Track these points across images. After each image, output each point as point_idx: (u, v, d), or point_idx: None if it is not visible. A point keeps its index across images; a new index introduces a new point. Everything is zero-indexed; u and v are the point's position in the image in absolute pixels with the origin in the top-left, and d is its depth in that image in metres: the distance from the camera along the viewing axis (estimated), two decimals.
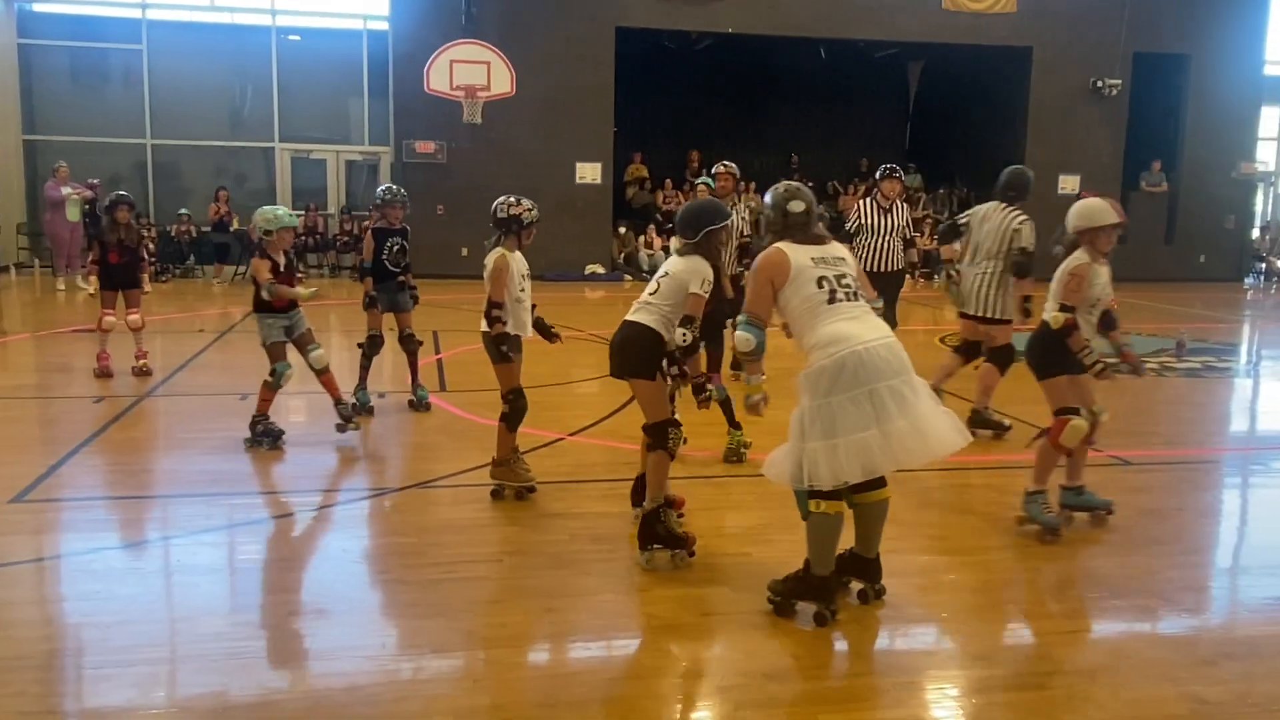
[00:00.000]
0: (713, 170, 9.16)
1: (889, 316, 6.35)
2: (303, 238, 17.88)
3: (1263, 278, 21.14)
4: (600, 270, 18.33)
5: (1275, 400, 9.59)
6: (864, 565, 4.21)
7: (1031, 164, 19.32)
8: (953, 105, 21.55)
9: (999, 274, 6.99)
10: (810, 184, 20.62)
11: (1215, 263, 20.13)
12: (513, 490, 5.45)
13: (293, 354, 6.53)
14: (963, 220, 7.47)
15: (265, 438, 6.35)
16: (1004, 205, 7.08)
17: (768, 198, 4.26)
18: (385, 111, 18.14)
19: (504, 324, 5.23)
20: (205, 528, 5.12)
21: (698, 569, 4.56)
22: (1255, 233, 21.43)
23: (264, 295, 6.31)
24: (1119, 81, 19.21)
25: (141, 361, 8.61)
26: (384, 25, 17.93)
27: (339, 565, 4.61)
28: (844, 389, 3.85)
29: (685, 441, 4.64)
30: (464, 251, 15.38)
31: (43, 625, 3.98)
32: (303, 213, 18.09)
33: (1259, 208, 22.05)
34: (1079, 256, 4.97)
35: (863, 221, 8.57)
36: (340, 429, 6.59)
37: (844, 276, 4.06)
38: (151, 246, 10.04)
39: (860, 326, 3.95)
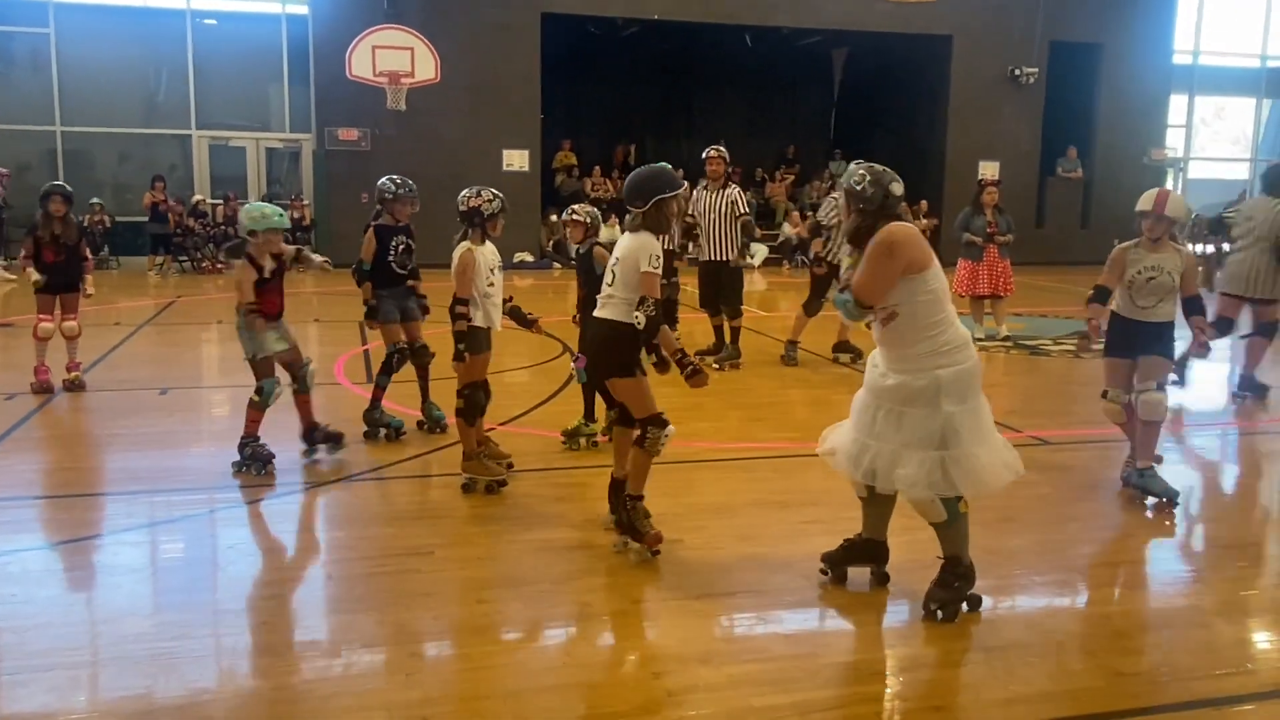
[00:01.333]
0: (704, 154, 9.17)
1: None
2: (222, 227, 17.51)
3: None
4: (529, 258, 18.25)
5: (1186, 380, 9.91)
6: (877, 549, 4.28)
7: (952, 150, 20.02)
8: (877, 93, 21.87)
9: (1271, 258, 7.77)
10: (739, 170, 20.83)
11: None
12: (483, 484, 5.35)
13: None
14: (1229, 214, 8.38)
15: (254, 462, 5.67)
16: (1272, 198, 7.91)
17: (858, 176, 3.86)
18: (306, 98, 17.81)
19: (469, 320, 5.14)
20: (126, 526, 5.00)
21: (627, 554, 4.57)
22: None
23: (237, 316, 5.65)
24: (1036, 70, 19.69)
25: (74, 374, 7.67)
26: (304, 9, 17.59)
27: (265, 561, 4.53)
28: (978, 393, 3.86)
29: (667, 437, 4.48)
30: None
31: None
32: (221, 202, 17.72)
33: None
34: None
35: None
36: (321, 444, 6.08)
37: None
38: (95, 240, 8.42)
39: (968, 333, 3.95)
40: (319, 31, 17.14)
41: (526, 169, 18.06)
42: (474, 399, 5.31)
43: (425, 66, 16.48)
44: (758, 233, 12.76)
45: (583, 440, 6.22)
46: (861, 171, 3.88)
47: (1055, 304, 13.89)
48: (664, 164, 4.71)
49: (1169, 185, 22.67)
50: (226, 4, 18.23)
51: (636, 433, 4.49)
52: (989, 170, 19.15)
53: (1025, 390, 8.70)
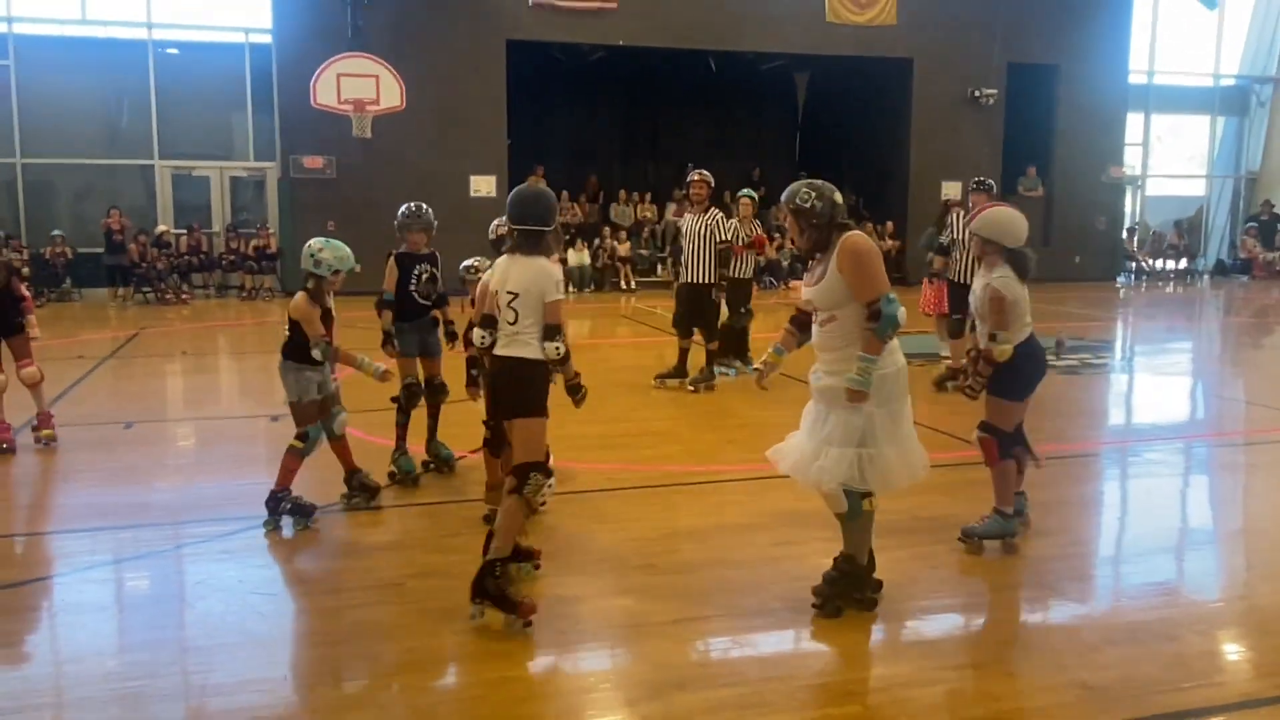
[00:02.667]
0: (687, 178, 9.24)
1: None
2: (186, 257, 17.37)
3: (1133, 276, 22.20)
4: None
5: (1149, 394, 10.07)
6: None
7: (915, 171, 20.24)
8: (840, 115, 22.12)
9: None
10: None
11: (1089, 263, 21.07)
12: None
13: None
14: None
15: (294, 515, 5.28)
16: None
17: (804, 195, 4.02)
18: (270, 126, 17.75)
19: (489, 347, 4.97)
20: (91, 564, 4.92)
21: (605, 579, 4.57)
22: (1125, 234, 22.50)
23: (314, 353, 5.16)
24: (995, 91, 20.00)
25: (45, 431, 6.91)
26: (267, 38, 17.56)
27: (235, 596, 4.48)
28: (902, 394, 4.07)
29: (550, 488, 4.24)
30: (356, 267, 15.09)
31: None
32: (185, 231, 17.59)
33: (1128, 209, 23.17)
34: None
35: (955, 235, 8.74)
36: (354, 499, 5.63)
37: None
38: (24, 273, 7.18)
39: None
40: (283, 59, 17.10)
41: (494, 195, 18.07)
42: (499, 430, 5.12)
43: (390, 94, 16.48)
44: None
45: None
46: (805, 190, 4.04)
47: None
48: (542, 188, 4.48)
49: (1127, 202, 23.09)
50: (189, 34, 18.15)
51: (512, 481, 4.10)
52: (952, 190, 19.39)
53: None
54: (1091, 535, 5.56)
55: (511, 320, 4.09)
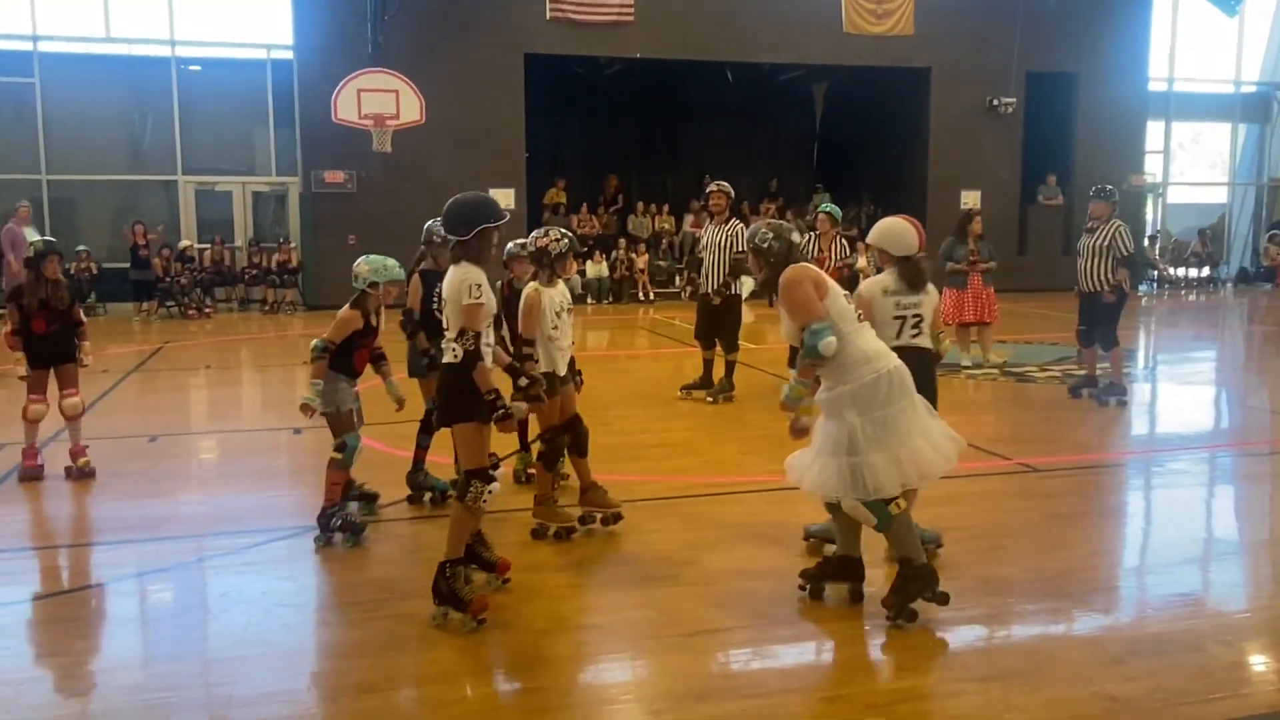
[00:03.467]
0: (706, 189, 9.25)
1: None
2: (209, 272, 17.54)
3: (1155, 285, 22.05)
4: None
5: (1172, 404, 9.99)
6: (852, 566, 4.42)
7: (933, 180, 20.19)
8: (857, 125, 22.11)
9: None
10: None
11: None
12: (553, 529, 5.24)
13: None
14: None
15: (345, 532, 5.24)
16: None
17: (764, 237, 4.35)
18: (292, 141, 17.91)
19: (535, 362, 5.00)
20: (117, 576, 4.97)
21: (621, 593, 4.58)
22: (1146, 242, 22.36)
23: (314, 342, 5.23)
24: (1014, 100, 19.93)
25: (82, 460, 6.57)
26: (288, 54, 17.73)
27: (260, 608, 4.51)
28: (895, 400, 4.12)
29: (490, 494, 4.16)
30: (394, 292, 15.19)
31: None
32: (208, 246, 17.76)
33: (1149, 218, 23.02)
34: None
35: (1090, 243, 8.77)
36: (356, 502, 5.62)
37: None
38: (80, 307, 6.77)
39: (882, 345, 4.27)
40: (304, 75, 17.26)
41: (513, 207, 18.15)
42: (557, 443, 5.19)
43: (410, 108, 16.59)
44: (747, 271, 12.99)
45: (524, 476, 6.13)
46: (764, 230, 4.41)
47: (1040, 330, 13.98)
48: (488, 195, 4.48)
49: (1148, 210, 22.95)
50: (211, 51, 18.35)
51: (454, 491, 4.26)
52: (970, 199, 19.33)
53: (1013, 417, 8.74)
54: (1115, 546, 5.52)
55: (447, 328, 4.19)
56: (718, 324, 9.03)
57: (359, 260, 5.37)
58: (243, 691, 3.72)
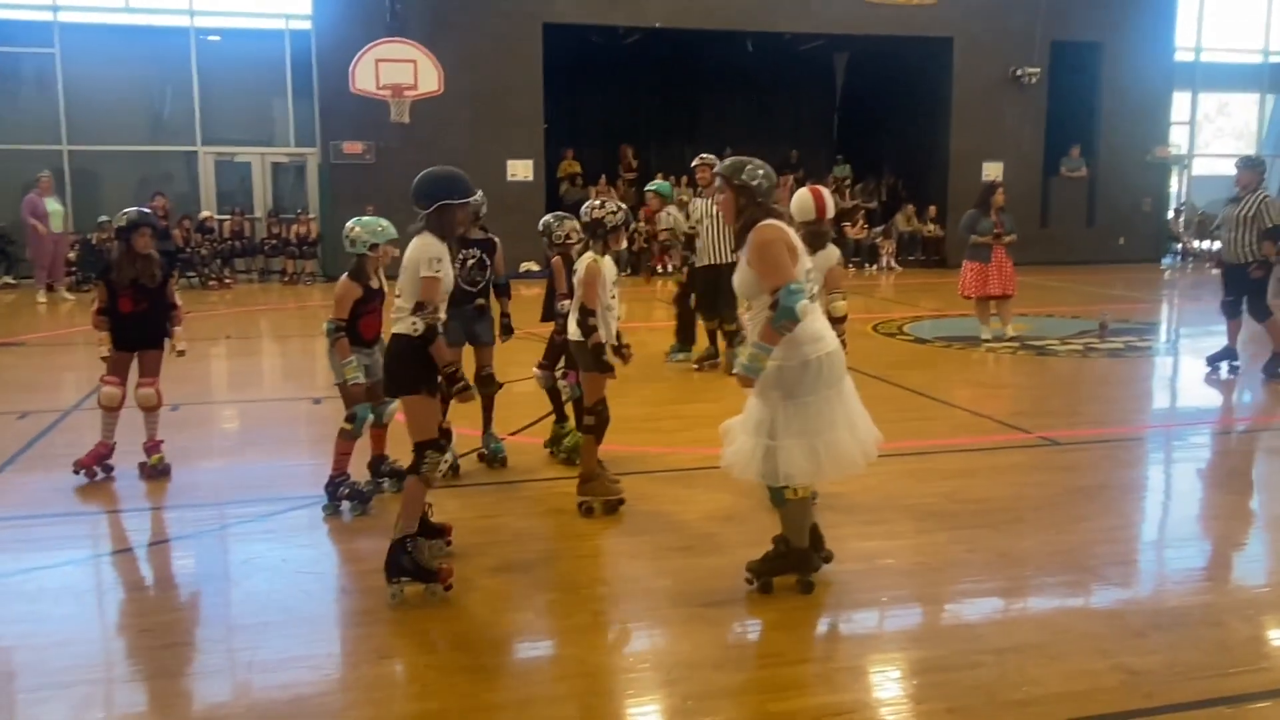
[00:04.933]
0: (692, 163, 9.25)
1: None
2: (229, 242, 17.59)
3: (1179, 258, 21.82)
4: (535, 267, 18.25)
5: (1195, 377, 9.91)
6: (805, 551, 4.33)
7: (955, 152, 20.01)
8: (878, 96, 21.88)
9: None
10: None
11: (1134, 244, 20.75)
12: (600, 504, 5.21)
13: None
14: None
15: (353, 500, 5.29)
16: None
17: (752, 173, 4.07)
18: (310, 112, 17.88)
19: (598, 332, 5.01)
20: (140, 542, 5.03)
21: (638, 562, 4.60)
22: (1171, 214, 22.11)
23: (324, 327, 5.19)
24: (1037, 70, 19.68)
25: (155, 457, 6.00)
26: (307, 25, 17.66)
27: (280, 575, 4.56)
28: (821, 388, 4.00)
29: (454, 469, 4.28)
30: (395, 252, 15.20)
31: None
32: (228, 217, 17.80)
33: (1174, 190, 22.74)
34: None
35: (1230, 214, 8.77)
36: (387, 478, 5.60)
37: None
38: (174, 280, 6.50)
39: (824, 326, 4.12)
40: (322, 46, 17.22)
41: (530, 179, 18.10)
42: (605, 415, 5.17)
43: (428, 79, 16.53)
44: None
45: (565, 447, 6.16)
46: (753, 166, 4.09)
47: (1062, 303, 13.88)
48: (458, 170, 4.35)
49: (1173, 182, 22.67)
50: (230, 21, 18.31)
51: (409, 462, 4.22)
52: (993, 171, 19.15)
53: (1033, 391, 8.69)
54: (1135, 520, 5.50)
55: (398, 295, 4.17)
56: (721, 292, 8.96)
57: (350, 224, 5.30)
58: (265, 657, 3.76)
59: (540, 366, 6.24)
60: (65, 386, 8.29)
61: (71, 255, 16.16)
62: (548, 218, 6.17)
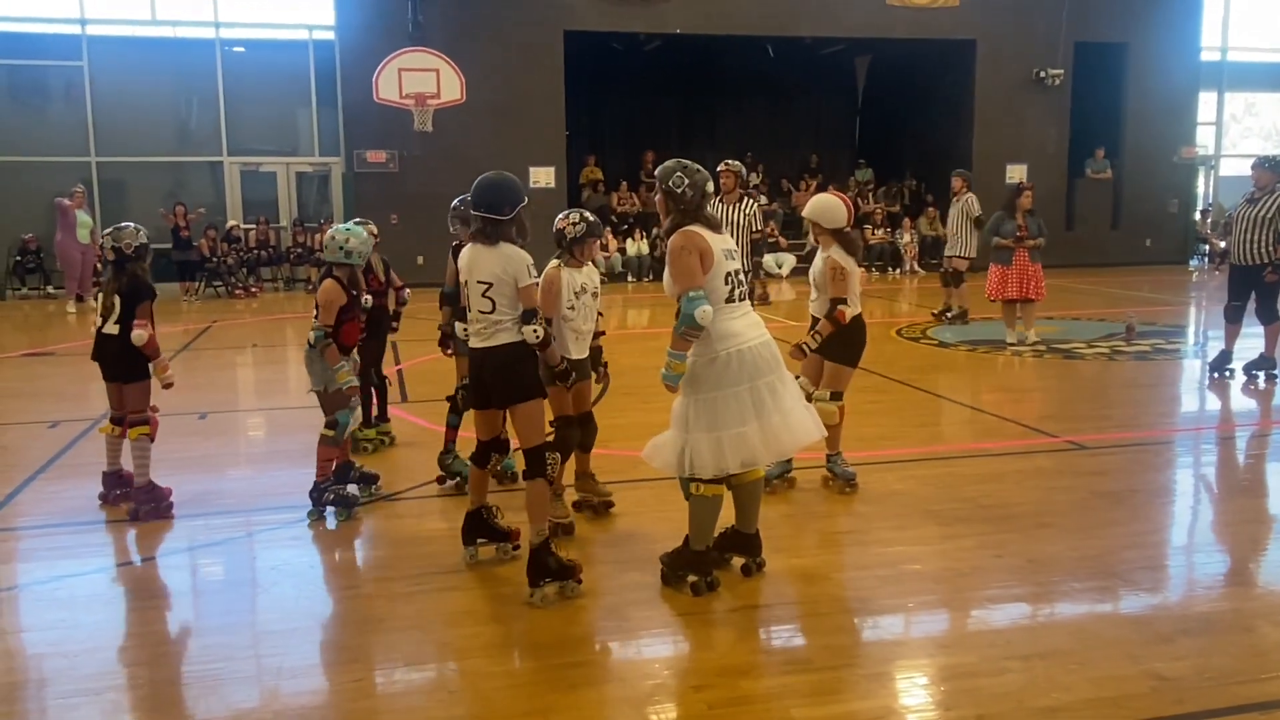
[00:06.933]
0: (716, 169, 9.29)
1: None
2: (255, 251, 17.74)
3: (1206, 259, 21.60)
4: None
5: (1223, 380, 9.80)
6: (745, 541, 4.47)
7: (979, 155, 19.87)
8: (900, 99, 21.79)
9: None
10: (765, 181, 20.70)
11: (1161, 246, 20.55)
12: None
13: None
14: None
15: (338, 505, 5.36)
16: None
17: (679, 181, 4.19)
18: (335, 122, 18.01)
19: (552, 347, 4.83)
20: (168, 550, 5.07)
21: (659, 568, 4.58)
22: (1197, 215, 21.90)
23: (309, 336, 5.23)
24: (1061, 71, 19.54)
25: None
26: (330, 35, 17.80)
27: (306, 582, 4.59)
28: (728, 384, 4.10)
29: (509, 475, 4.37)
30: (419, 260, 15.32)
31: (5, 657, 3.92)
32: (254, 226, 17.95)
33: (1200, 191, 22.52)
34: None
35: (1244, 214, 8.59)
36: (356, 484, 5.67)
37: (739, 272, 4.27)
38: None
39: (744, 324, 4.19)
40: (346, 56, 17.35)
41: (553, 186, 18.15)
42: (564, 435, 5.03)
43: (451, 87, 16.63)
44: (765, 252, 13.46)
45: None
46: (679, 174, 4.23)
47: (1088, 306, 13.77)
48: (506, 174, 4.48)
49: (1200, 183, 22.44)
50: (254, 32, 18.48)
51: (523, 467, 4.32)
52: (1017, 173, 19.02)
53: (1060, 395, 8.63)
54: (1163, 525, 5.44)
55: (488, 310, 4.19)
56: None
57: (342, 233, 5.30)
58: (292, 663, 3.78)
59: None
60: (94, 396, 8.36)
61: (99, 267, 16.32)
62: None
